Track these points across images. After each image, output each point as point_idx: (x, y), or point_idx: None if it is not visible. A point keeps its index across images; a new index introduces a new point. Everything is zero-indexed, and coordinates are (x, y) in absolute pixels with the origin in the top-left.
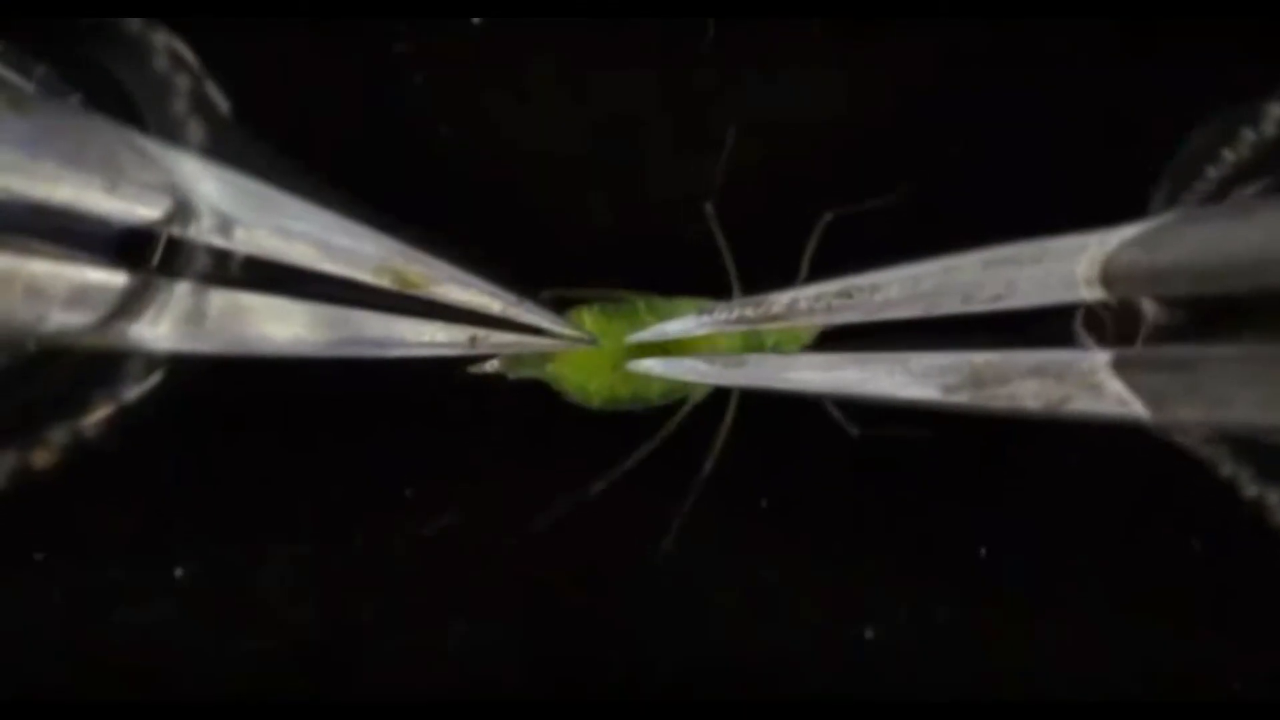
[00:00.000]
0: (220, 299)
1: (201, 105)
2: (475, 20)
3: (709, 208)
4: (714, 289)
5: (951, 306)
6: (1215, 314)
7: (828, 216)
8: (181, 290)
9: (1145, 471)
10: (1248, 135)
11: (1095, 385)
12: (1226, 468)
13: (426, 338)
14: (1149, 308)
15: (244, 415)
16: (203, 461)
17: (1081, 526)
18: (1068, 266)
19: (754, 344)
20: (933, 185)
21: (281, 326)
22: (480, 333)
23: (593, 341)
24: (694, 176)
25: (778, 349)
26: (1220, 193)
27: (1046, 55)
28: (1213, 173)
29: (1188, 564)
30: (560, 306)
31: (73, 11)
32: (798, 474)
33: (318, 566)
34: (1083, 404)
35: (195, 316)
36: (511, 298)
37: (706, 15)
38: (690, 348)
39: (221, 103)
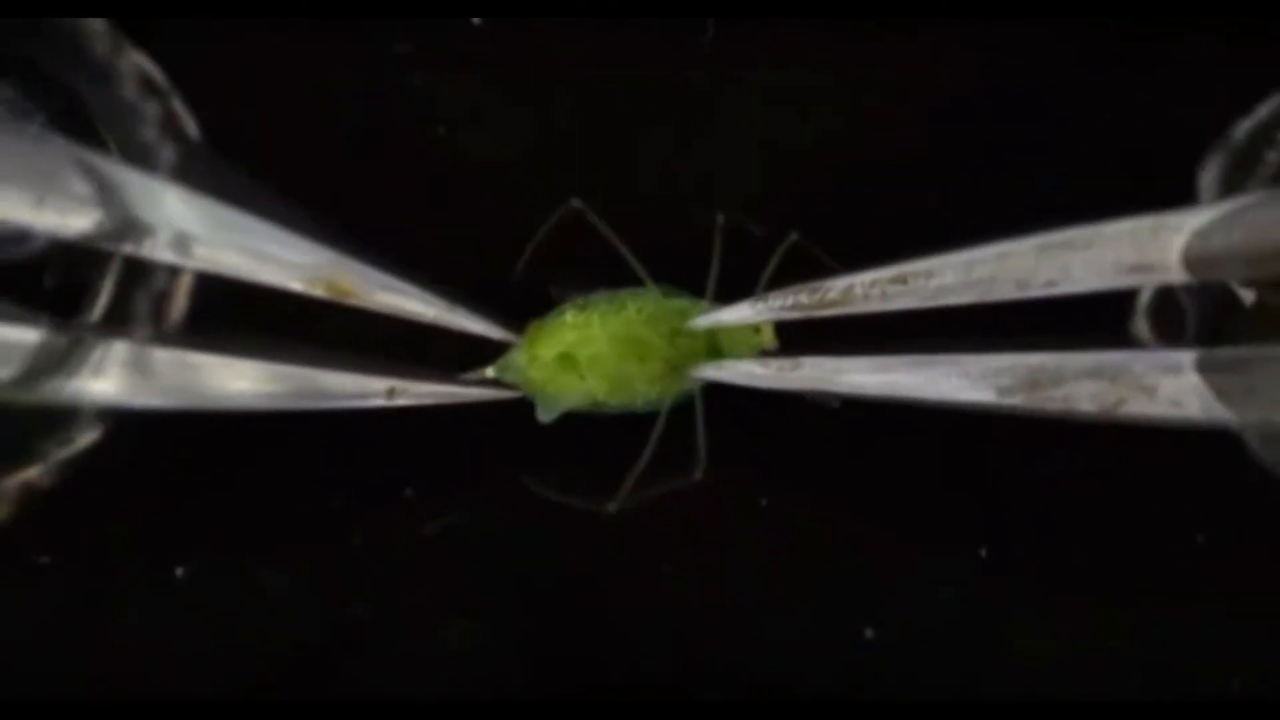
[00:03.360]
0: (163, 355)
1: (171, 129)
2: (475, 20)
3: (720, 218)
4: (719, 288)
5: (1006, 292)
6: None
7: (793, 236)
8: (119, 347)
9: (1146, 470)
10: None
11: (1150, 387)
12: None
13: (349, 388)
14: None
15: (244, 414)
16: (203, 461)
17: (1081, 525)
18: (1120, 251)
19: (713, 351)
20: (933, 185)
21: (224, 382)
22: (399, 384)
23: (507, 379)
24: (693, 177)
25: (732, 354)
26: None
27: (1047, 55)
28: (1273, 156)
29: (1188, 563)
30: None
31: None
32: (798, 474)
33: (317, 567)
34: (1138, 406)
35: (141, 371)
36: (443, 304)
37: (706, 15)
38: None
39: (190, 126)
